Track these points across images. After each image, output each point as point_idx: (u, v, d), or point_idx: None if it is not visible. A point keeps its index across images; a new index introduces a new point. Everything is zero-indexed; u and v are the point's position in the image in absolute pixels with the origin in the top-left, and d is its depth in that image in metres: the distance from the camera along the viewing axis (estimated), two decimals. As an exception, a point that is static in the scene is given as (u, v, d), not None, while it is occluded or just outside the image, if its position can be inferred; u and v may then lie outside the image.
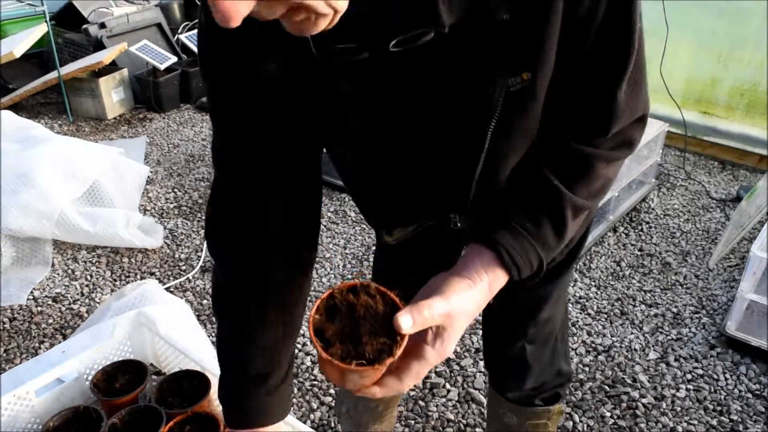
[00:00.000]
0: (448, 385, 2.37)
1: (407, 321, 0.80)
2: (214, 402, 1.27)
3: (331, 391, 2.34)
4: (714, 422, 2.22)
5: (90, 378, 1.28)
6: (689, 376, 2.41)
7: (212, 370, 1.30)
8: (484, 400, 2.30)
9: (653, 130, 3.43)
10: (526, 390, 1.50)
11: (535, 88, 0.88)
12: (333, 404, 2.28)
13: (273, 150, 0.97)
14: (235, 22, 0.59)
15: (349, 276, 2.97)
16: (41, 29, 4.59)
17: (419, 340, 0.86)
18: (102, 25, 5.03)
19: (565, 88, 0.91)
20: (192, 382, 1.27)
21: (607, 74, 0.89)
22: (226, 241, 1.04)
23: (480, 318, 1.55)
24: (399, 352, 0.80)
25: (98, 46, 4.96)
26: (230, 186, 1.02)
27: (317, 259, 3.06)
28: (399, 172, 1.04)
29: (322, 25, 0.67)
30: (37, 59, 5.36)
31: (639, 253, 3.16)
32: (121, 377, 1.29)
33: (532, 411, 1.54)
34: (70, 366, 1.31)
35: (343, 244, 3.21)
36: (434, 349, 0.85)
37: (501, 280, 0.93)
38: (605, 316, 2.73)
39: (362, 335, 0.81)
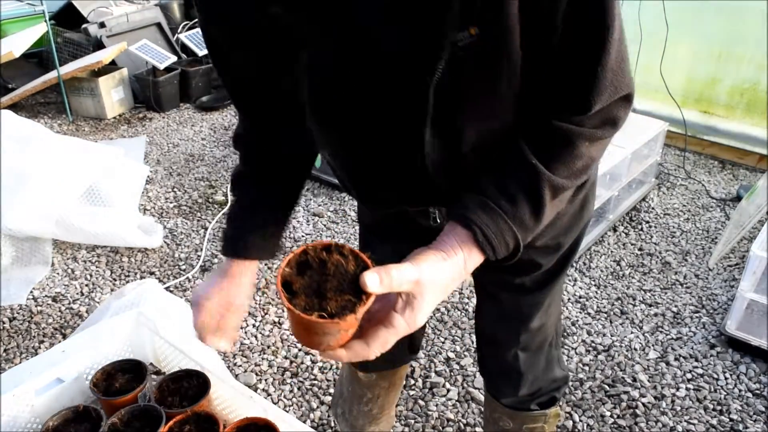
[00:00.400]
0: (447, 385, 2.37)
1: (373, 279, 0.80)
2: (214, 402, 1.27)
3: (331, 390, 2.34)
4: (714, 421, 2.22)
5: (90, 378, 1.28)
6: (689, 376, 2.41)
7: (212, 370, 1.30)
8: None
9: (653, 129, 3.43)
10: (520, 396, 1.50)
11: (486, 47, 0.84)
12: (330, 404, 2.28)
13: (268, 85, 1.08)
14: None
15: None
16: (41, 29, 4.59)
17: (389, 307, 0.86)
18: (101, 25, 5.03)
19: (543, 62, 0.88)
20: (192, 381, 1.27)
21: (585, 49, 0.86)
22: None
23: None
24: (362, 310, 0.79)
25: (98, 45, 4.96)
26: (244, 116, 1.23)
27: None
28: (359, 137, 1.03)
29: None
30: (37, 59, 5.36)
31: (639, 253, 3.16)
32: (120, 377, 1.29)
33: (528, 415, 1.53)
34: (69, 365, 1.30)
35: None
36: (403, 317, 0.85)
37: (476, 259, 0.92)
38: (605, 315, 2.73)
39: (328, 291, 0.81)
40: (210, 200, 3.64)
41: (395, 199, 1.15)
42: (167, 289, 2.86)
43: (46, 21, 4.47)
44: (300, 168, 1.28)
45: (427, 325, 2.63)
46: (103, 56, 4.59)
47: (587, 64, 0.87)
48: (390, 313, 0.85)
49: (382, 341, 0.85)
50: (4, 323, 2.67)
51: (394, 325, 0.85)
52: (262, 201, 1.23)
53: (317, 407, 2.29)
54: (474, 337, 2.53)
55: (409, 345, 1.66)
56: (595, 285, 2.92)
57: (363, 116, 0.98)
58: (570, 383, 2.37)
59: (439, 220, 1.14)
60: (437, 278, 0.87)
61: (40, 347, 2.55)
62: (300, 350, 2.53)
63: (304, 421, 2.24)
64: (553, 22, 0.83)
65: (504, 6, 0.79)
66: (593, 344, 2.56)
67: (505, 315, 1.40)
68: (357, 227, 3.34)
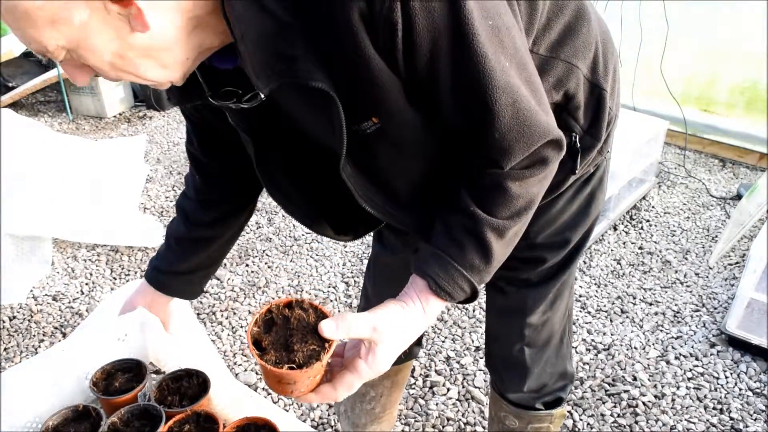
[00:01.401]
0: (448, 384, 2.37)
1: (329, 326, 0.91)
2: (213, 401, 1.27)
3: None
4: (714, 420, 2.22)
5: (89, 377, 1.28)
6: (689, 375, 2.41)
7: (212, 369, 1.30)
8: (484, 399, 2.30)
9: (653, 128, 3.43)
10: (525, 392, 1.50)
11: (390, 130, 0.92)
12: (333, 402, 2.28)
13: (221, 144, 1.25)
14: (81, 82, 0.86)
15: (350, 274, 2.97)
16: (41, 27, 4.58)
17: (355, 354, 0.96)
18: (102, 23, 5.02)
19: (450, 133, 0.94)
20: (191, 381, 1.27)
21: (475, 120, 0.89)
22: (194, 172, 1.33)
23: (481, 317, 1.55)
24: (326, 356, 0.90)
25: (98, 44, 4.95)
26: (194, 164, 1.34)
27: (317, 257, 3.06)
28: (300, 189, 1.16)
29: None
30: (37, 57, 5.35)
31: (639, 251, 3.16)
32: (120, 376, 1.28)
33: (534, 415, 1.54)
34: (69, 365, 1.30)
35: (343, 243, 3.21)
36: (366, 362, 0.94)
37: (435, 305, 1.00)
38: (605, 314, 2.73)
39: (294, 344, 0.91)
40: (210, 199, 3.63)
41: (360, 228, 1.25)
42: (167, 288, 2.85)
43: (46, 20, 4.46)
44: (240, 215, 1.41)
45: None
46: (103, 55, 4.58)
47: (482, 133, 0.90)
48: (356, 360, 0.95)
49: (348, 385, 0.95)
50: (4, 322, 2.67)
51: (358, 370, 0.94)
52: (196, 246, 1.39)
53: (317, 406, 2.29)
54: (474, 336, 2.54)
55: None
56: (595, 284, 2.92)
57: (300, 176, 1.13)
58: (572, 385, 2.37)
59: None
60: (395, 325, 0.96)
61: (40, 346, 2.55)
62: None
63: (305, 420, 2.24)
64: (440, 101, 0.88)
65: (386, 102, 0.87)
66: (593, 343, 2.56)
67: (510, 309, 1.41)
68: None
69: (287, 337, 0.93)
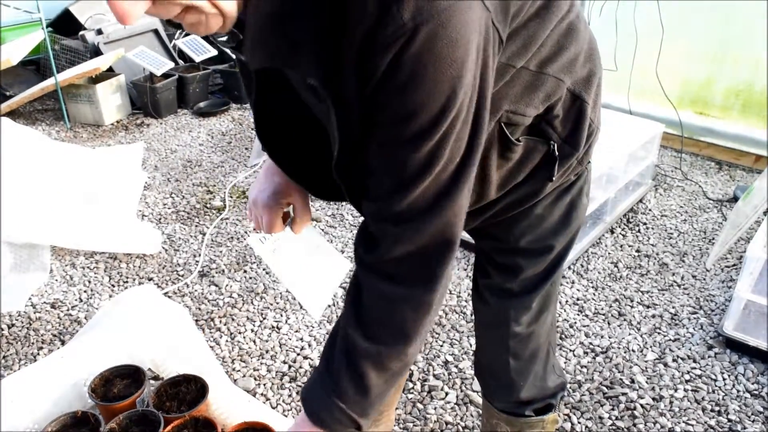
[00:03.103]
0: (446, 388, 2.37)
1: None
2: (212, 406, 1.28)
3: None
4: (712, 422, 2.23)
5: (88, 383, 1.28)
6: (687, 377, 2.42)
7: (210, 374, 1.30)
8: (483, 402, 2.30)
9: (649, 131, 3.44)
10: (514, 402, 1.51)
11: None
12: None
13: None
14: (130, 21, 0.75)
15: (347, 280, 2.97)
16: (38, 36, 4.60)
17: None
18: (99, 32, 5.04)
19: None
20: (190, 386, 1.28)
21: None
22: None
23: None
24: None
25: (95, 52, 4.96)
26: None
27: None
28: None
29: (215, 26, 0.80)
30: (35, 66, 5.36)
31: (636, 254, 3.16)
32: (119, 382, 1.29)
33: (525, 422, 1.54)
34: (67, 371, 1.31)
35: (341, 248, 3.21)
36: None
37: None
38: (603, 317, 2.73)
39: None
40: (208, 206, 3.65)
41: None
42: (166, 294, 2.86)
43: (43, 28, 4.48)
44: None
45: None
46: (100, 63, 4.59)
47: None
48: None
49: None
50: (2, 330, 2.67)
51: None
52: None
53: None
54: (473, 341, 2.54)
55: None
56: (592, 287, 2.92)
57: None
58: (568, 385, 2.38)
59: None
60: None
61: (38, 354, 2.56)
62: (298, 355, 2.53)
63: (303, 426, 2.23)
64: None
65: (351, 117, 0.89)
66: (591, 346, 2.57)
67: (494, 320, 1.41)
68: (354, 231, 3.35)
69: None
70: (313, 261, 1.17)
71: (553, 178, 1.17)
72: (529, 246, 1.30)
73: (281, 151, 1.15)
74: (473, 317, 1.56)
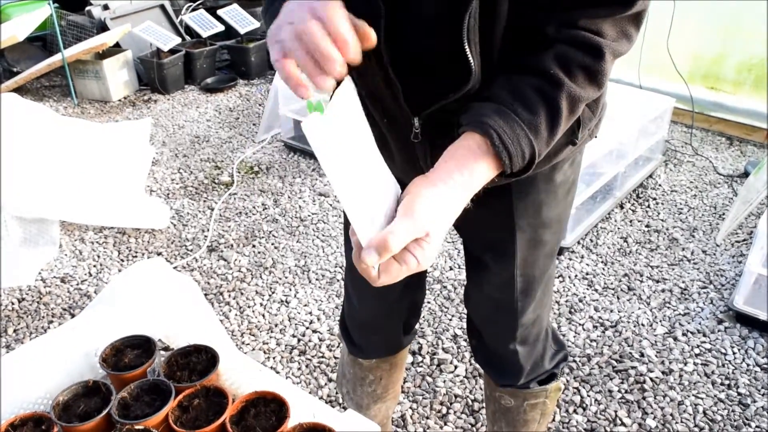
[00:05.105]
0: (455, 361, 2.38)
1: (371, 256, 0.80)
2: (222, 376, 1.28)
3: (339, 368, 2.35)
4: (722, 396, 2.22)
5: (99, 353, 1.28)
6: (697, 351, 2.41)
7: (220, 345, 1.30)
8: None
9: (660, 105, 3.41)
10: (519, 384, 1.52)
11: None
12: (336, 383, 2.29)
13: None
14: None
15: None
16: (44, 12, 4.58)
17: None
18: (105, 7, 5.02)
19: None
20: (200, 356, 1.28)
21: None
22: None
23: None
24: None
25: (102, 27, 4.94)
26: None
27: (323, 238, 3.06)
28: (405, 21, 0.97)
29: None
30: (41, 42, 5.35)
31: (646, 229, 3.15)
32: (129, 352, 1.29)
33: (529, 392, 1.54)
34: (78, 342, 1.31)
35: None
36: (416, 257, 0.84)
37: (484, 172, 0.89)
38: (612, 291, 2.72)
39: None
40: (216, 181, 3.64)
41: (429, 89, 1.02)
42: (175, 269, 2.86)
43: (49, 4, 4.46)
44: None
45: (433, 301, 2.64)
46: (107, 38, 4.57)
47: None
48: (404, 252, 0.83)
49: (393, 274, 0.84)
50: (13, 304, 2.69)
51: (407, 262, 0.84)
52: None
53: (325, 384, 2.30)
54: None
55: (403, 327, 1.66)
56: (602, 261, 2.91)
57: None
58: (577, 359, 2.38)
59: (419, 137, 1.09)
60: (440, 215, 0.85)
61: (49, 327, 2.57)
62: (307, 328, 2.54)
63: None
64: None
65: None
66: (600, 320, 2.56)
67: (501, 310, 1.41)
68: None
69: None
70: (368, 165, 0.90)
71: (576, 142, 1.14)
72: (527, 226, 1.28)
73: None
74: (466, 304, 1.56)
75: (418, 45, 0.98)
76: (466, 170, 0.87)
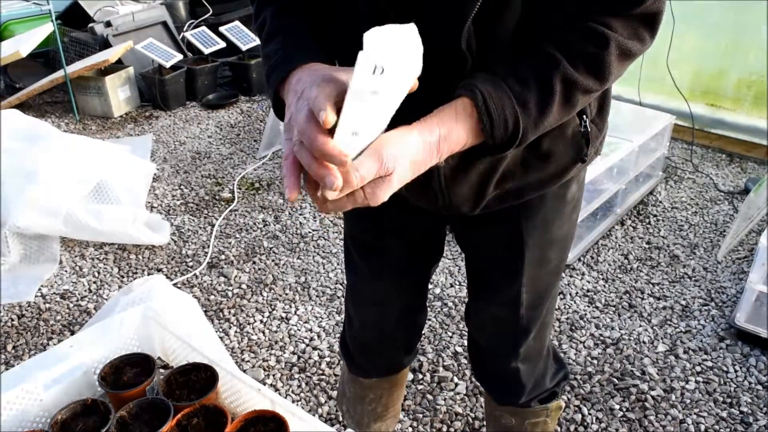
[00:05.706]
0: (456, 379, 2.37)
1: (332, 193, 0.81)
2: (221, 395, 1.27)
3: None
4: (724, 414, 2.21)
5: (98, 371, 1.28)
6: (698, 369, 2.40)
7: (220, 363, 1.30)
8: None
9: (660, 122, 3.42)
10: (521, 403, 1.51)
11: None
12: (336, 400, 2.28)
13: None
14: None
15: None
16: (47, 28, 4.60)
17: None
18: (108, 24, 5.04)
19: None
20: (200, 374, 1.27)
21: None
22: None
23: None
24: None
25: (104, 44, 4.97)
26: None
27: (324, 254, 3.06)
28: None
29: None
30: (44, 58, 5.37)
31: (647, 246, 3.14)
32: (128, 370, 1.28)
33: (530, 411, 1.53)
34: (77, 360, 1.31)
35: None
36: (365, 193, 0.84)
37: (462, 133, 0.89)
38: (613, 308, 2.72)
39: None
40: (216, 197, 3.64)
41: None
42: (175, 285, 2.86)
43: (52, 21, 4.48)
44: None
45: (434, 319, 2.63)
46: (109, 55, 4.59)
47: None
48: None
49: (340, 206, 0.85)
50: (12, 320, 2.68)
51: (355, 197, 0.84)
52: (302, 27, 1.07)
53: (325, 402, 2.29)
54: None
55: (405, 347, 1.66)
56: (603, 279, 2.91)
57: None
58: (578, 377, 2.37)
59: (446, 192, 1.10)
60: (404, 158, 0.84)
61: (48, 344, 2.56)
62: (308, 345, 2.53)
63: (313, 415, 2.23)
64: None
65: None
66: (602, 338, 2.55)
67: (506, 329, 1.40)
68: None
69: None
70: (385, 103, 0.85)
71: (585, 159, 1.14)
72: (535, 245, 1.28)
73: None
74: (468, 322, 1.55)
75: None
76: (444, 126, 0.88)
